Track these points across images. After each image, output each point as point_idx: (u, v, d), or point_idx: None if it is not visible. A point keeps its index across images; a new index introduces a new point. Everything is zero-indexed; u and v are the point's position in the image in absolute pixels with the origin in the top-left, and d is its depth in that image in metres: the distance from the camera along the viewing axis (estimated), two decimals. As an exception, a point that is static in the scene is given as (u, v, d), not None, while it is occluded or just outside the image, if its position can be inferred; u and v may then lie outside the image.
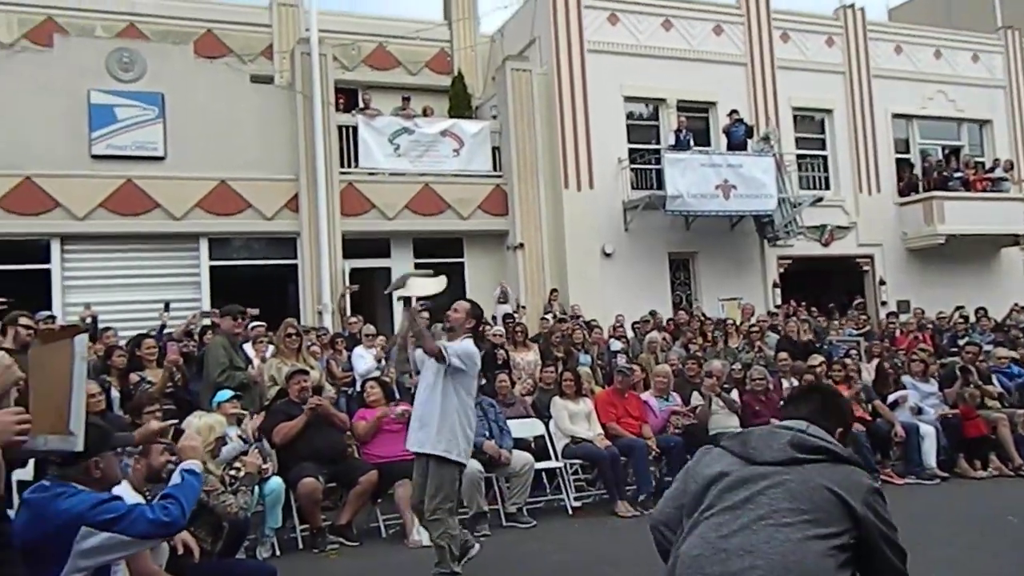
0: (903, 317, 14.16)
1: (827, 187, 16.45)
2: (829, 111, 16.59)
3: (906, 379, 9.30)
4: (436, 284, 5.47)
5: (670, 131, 14.80)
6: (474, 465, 6.70)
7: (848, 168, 16.53)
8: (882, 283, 16.49)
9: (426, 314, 10.30)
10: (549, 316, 11.68)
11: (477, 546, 5.24)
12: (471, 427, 5.14)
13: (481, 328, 5.59)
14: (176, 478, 3.05)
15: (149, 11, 14.52)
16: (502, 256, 13.98)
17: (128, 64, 11.65)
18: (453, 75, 16.10)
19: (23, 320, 6.19)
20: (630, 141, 14.87)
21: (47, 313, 9.00)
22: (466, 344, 5.12)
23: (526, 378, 8.97)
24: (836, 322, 13.01)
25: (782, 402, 8.45)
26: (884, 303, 16.18)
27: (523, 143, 13.88)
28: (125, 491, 3.22)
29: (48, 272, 11.30)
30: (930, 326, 12.82)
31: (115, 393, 6.58)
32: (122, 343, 7.85)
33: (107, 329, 8.50)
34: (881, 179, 16.71)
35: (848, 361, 9.37)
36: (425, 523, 5.21)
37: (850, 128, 16.58)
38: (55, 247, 11.37)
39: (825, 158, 16.68)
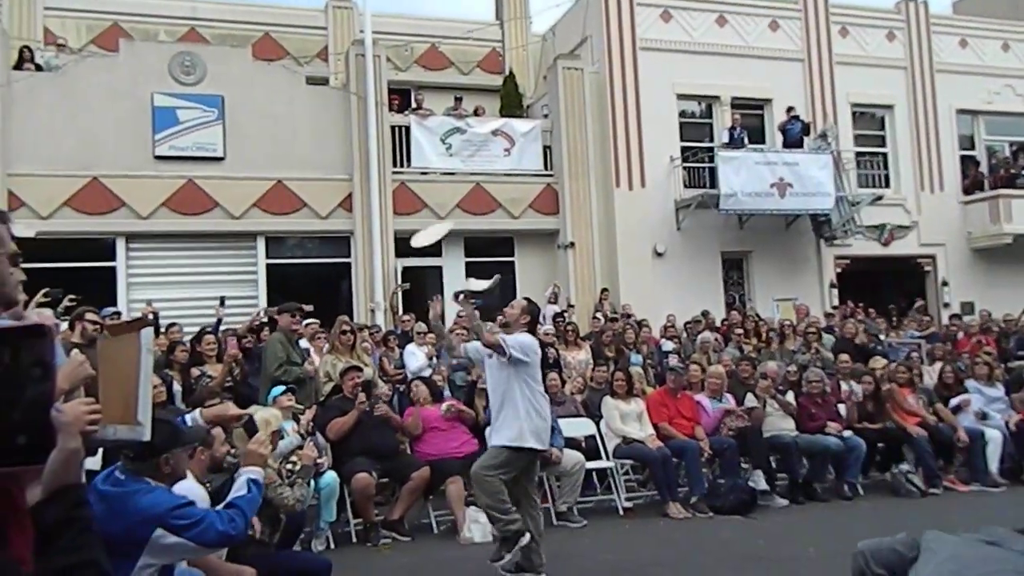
0: (966, 319, 13.71)
1: (887, 185, 16.01)
2: (890, 107, 16.15)
3: (970, 383, 9.02)
4: (490, 282, 5.64)
5: (724, 129, 14.60)
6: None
7: (909, 166, 16.07)
8: (945, 284, 15.98)
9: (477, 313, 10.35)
10: (600, 315, 11.63)
11: (528, 536, 5.17)
12: (541, 413, 5.27)
13: (537, 326, 5.70)
14: (242, 487, 3.14)
15: (209, 15, 14.91)
16: (553, 255, 13.97)
17: (189, 67, 11.97)
18: (504, 75, 16.16)
19: (90, 316, 6.43)
20: (682, 139, 14.70)
21: (112, 309, 9.29)
22: (523, 336, 5.27)
23: (576, 377, 8.95)
24: (896, 324, 12.67)
25: (837, 406, 8.32)
26: (947, 305, 15.69)
27: (574, 142, 13.85)
28: (190, 483, 3.33)
29: (113, 269, 11.68)
30: (996, 329, 12.38)
31: (177, 387, 6.77)
32: (185, 339, 8.07)
33: (172, 325, 8.74)
34: (944, 177, 16.21)
35: (911, 363, 9.12)
36: (474, 484, 5.27)
37: (912, 124, 16.12)
38: (120, 245, 11.75)
39: (885, 155, 16.24)
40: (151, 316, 9.47)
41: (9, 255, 1.90)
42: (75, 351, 2.02)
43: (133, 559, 2.77)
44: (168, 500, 2.90)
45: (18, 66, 11.63)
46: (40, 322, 1.15)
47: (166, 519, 2.82)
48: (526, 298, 5.64)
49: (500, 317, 5.49)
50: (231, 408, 3.85)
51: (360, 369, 7.06)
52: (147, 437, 2.19)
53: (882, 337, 11.36)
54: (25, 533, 1.11)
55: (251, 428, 4.17)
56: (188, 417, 3.66)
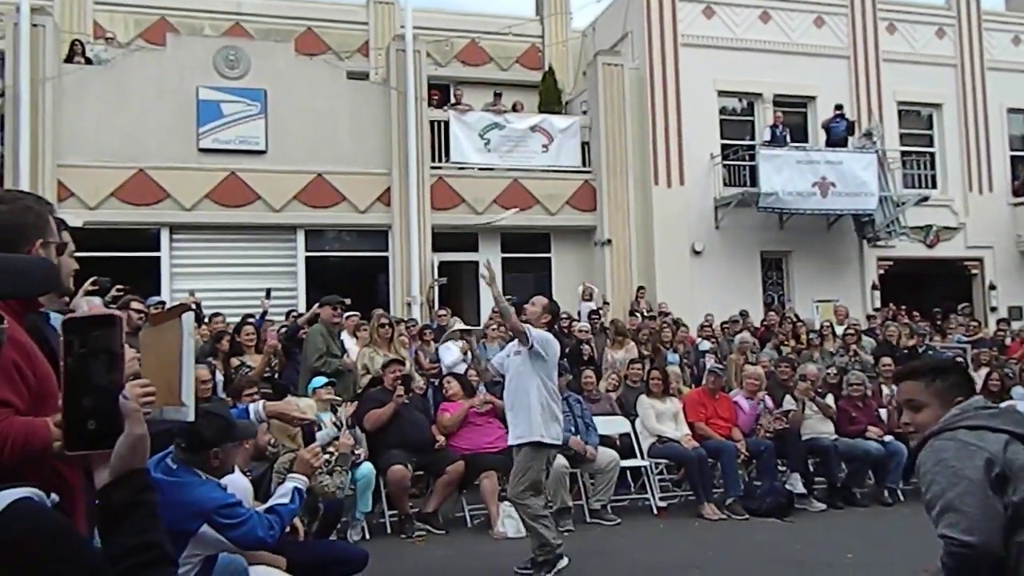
0: (1015, 324, 13.36)
1: (934, 186, 15.65)
2: (938, 105, 15.78)
3: (1017, 390, 8.80)
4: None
5: (765, 126, 14.39)
6: (559, 460, 6.72)
7: (957, 166, 15.69)
8: (992, 288, 15.59)
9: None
10: (637, 314, 11.56)
11: (566, 560, 5.28)
12: (557, 411, 5.33)
13: (557, 324, 5.74)
14: (287, 494, 3.26)
15: (254, 10, 15.11)
16: (590, 252, 13.92)
17: (234, 62, 12.15)
18: (544, 70, 16.12)
19: (135, 305, 6.57)
20: (723, 137, 14.53)
21: (157, 299, 9.50)
22: (543, 332, 5.31)
23: (611, 374, 8.90)
24: (941, 327, 12.38)
25: (878, 411, 8.16)
26: (994, 309, 15.29)
27: (613, 138, 13.77)
28: (235, 475, 3.42)
29: (158, 259, 11.92)
30: (1046, 335, 12.04)
31: (219, 376, 6.89)
32: (228, 329, 8.19)
33: (216, 315, 8.89)
34: (994, 177, 15.80)
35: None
36: (516, 508, 5.45)
37: (960, 123, 15.73)
38: (164, 236, 11.99)
39: (932, 155, 15.87)
40: (194, 305, 9.66)
41: (57, 245, 1.95)
42: (130, 349, 2.07)
43: (180, 548, 2.86)
44: (218, 497, 2.99)
45: (68, 59, 11.91)
46: (111, 312, 1.20)
47: (214, 516, 2.92)
48: (547, 296, 5.66)
49: (522, 315, 5.49)
50: (294, 408, 3.95)
51: (402, 363, 7.14)
52: (191, 417, 2.26)
53: (928, 341, 11.11)
54: (80, 510, 1.15)
55: (308, 430, 4.26)
56: (251, 408, 3.74)
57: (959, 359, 9.84)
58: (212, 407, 3.52)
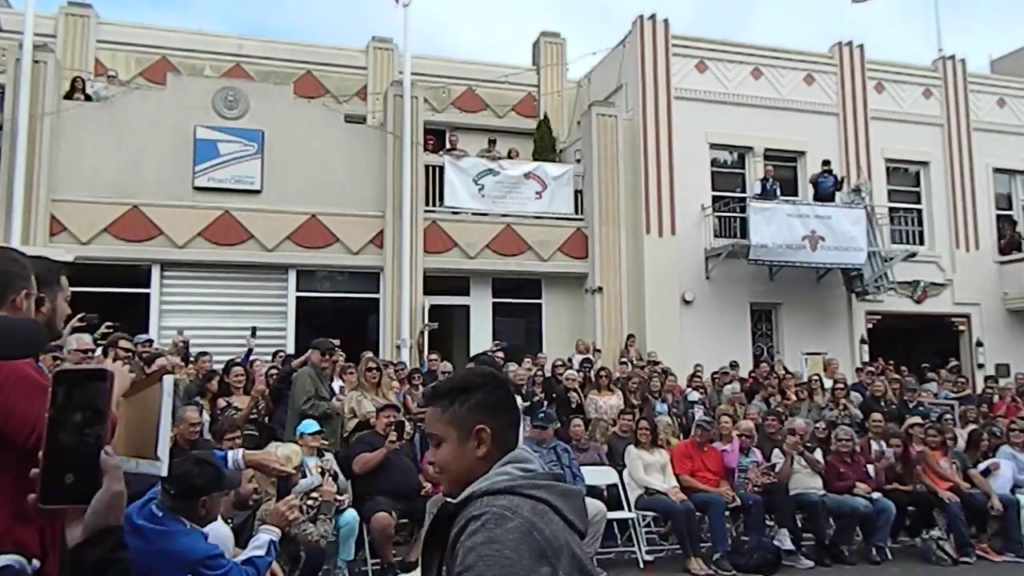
0: (1002, 381, 13.40)
1: (921, 242, 15.86)
2: (925, 163, 16.07)
3: (1005, 449, 8.78)
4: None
5: (756, 179, 14.60)
6: (546, 511, 6.64)
7: (944, 223, 15.92)
8: (979, 344, 15.69)
9: (501, 354, 10.39)
10: (627, 362, 11.55)
11: None
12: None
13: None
14: (263, 546, 3.29)
15: (254, 52, 15.34)
16: (580, 299, 13.96)
17: (233, 102, 12.28)
18: (539, 119, 16.35)
19: (123, 343, 6.54)
20: (714, 188, 14.72)
21: (145, 337, 9.44)
22: None
23: (605, 424, 8.85)
24: (929, 383, 12.41)
25: (867, 467, 8.14)
26: (981, 366, 15.37)
27: (606, 187, 13.92)
28: (217, 523, 3.38)
29: (147, 296, 11.87)
30: (1033, 393, 12.07)
31: (205, 416, 6.82)
32: (216, 367, 8.14)
33: (203, 354, 8.83)
34: (980, 235, 16.02)
35: (943, 425, 8.92)
36: None
37: (947, 182, 16.01)
38: (155, 272, 11.96)
39: (920, 212, 16.11)
40: (181, 344, 9.60)
41: (37, 298, 2.01)
42: (123, 365, 2.12)
43: None
44: (204, 548, 2.98)
45: (69, 95, 12.01)
46: (101, 368, 1.20)
47: (198, 568, 2.89)
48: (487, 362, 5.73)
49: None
50: (273, 459, 3.93)
51: (397, 408, 7.11)
52: (164, 472, 2.34)
53: (921, 396, 11.12)
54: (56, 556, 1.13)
55: (284, 485, 4.23)
56: (230, 456, 3.72)
57: (947, 416, 9.87)
58: (203, 455, 3.49)
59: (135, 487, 3.03)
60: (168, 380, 2.50)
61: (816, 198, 14.35)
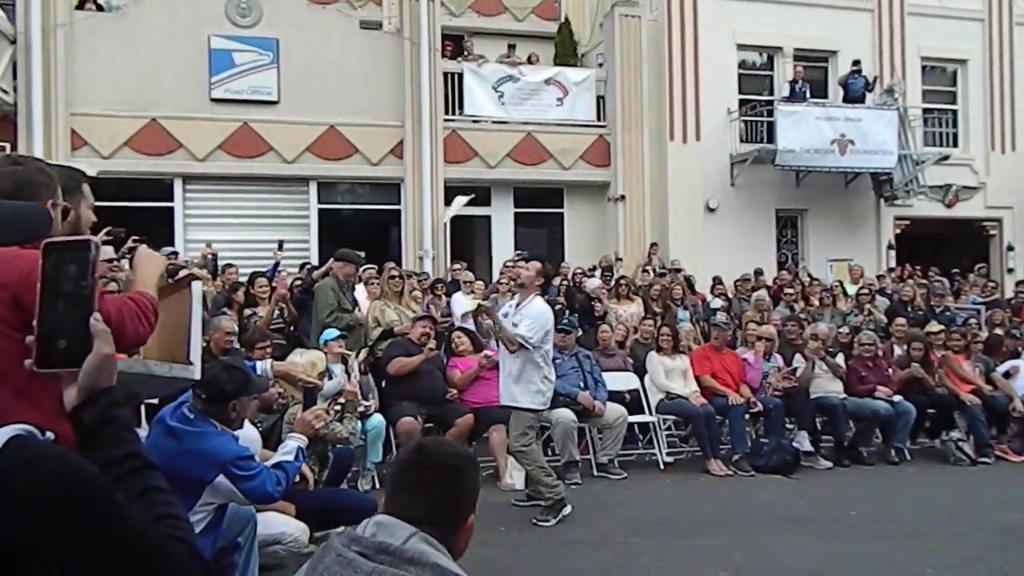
0: (1032, 286, 13.20)
1: (955, 144, 15.38)
2: (963, 62, 15.41)
3: (1028, 353, 8.74)
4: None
5: (785, 82, 14.12)
6: (567, 415, 6.80)
7: (980, 124, 15.38)
8: (1010, 249, 15.41)
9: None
10: (649, 270, 11.52)
11: (570, 507, 5.59)
12: (548, 379, 5.67)
13: (567, 283, 6.09)
14: (291, 452, 3.42)
15: (265, -43, 14.83)
16: (603, 208, 13.84)
17: (245, 10, 12.00)
18: (560, 22, 15.83)
19: (148, 254, 6.62)
20: (741, 92, 14.29)
21: (170, 249, 9.56)
22: (537, 310, 5.57)
23: (619, 327, 8.90)
24: (956, 288, 12.26)
25: (890, 369, 8.17)
26: (1011, 270, 15.14)
27: (629, 92, 13.57)
28: (246, 426, 3.48)
29: (171, 210, 11.96)
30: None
31: (235, 327, 6.95)
32: (242, 279, 8.25)
33: (229, 266, 8.93)
34: (1017, 136, 15.48)
35: (968, 329, 8.87)
36: (516, 459, 5.93)
37: (986, 80, 15.37)
38: (178, 186, 12.00)
39: (955, 112, 15.57)
40: (210, 256, 9.71)
41: (63, 208, 2.06)
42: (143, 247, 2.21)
43: (196, 495, 2.93)
44: (234, 449, 3.07)
45: (80, 6, 11.79)
46: (87, 238, 1.22)
47: (229, 467, 2.99)
48: (540, 259, 5.91)
49: (517, 279, 5.81)
50: (299, 370, 4.04)
51: (435, 320, 7.26)
52: (197, 376, 2.42)
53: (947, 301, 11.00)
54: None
55: (311, 393, 4.34)
56: (259, 366, 3.82)
57: (972, 320, 9.80)
58: (232, 360, 3.58)
59: (167, 390, 3.15)
60: (197, 286, 2.55)
61: (846, 100, 13.88)
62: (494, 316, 5.60)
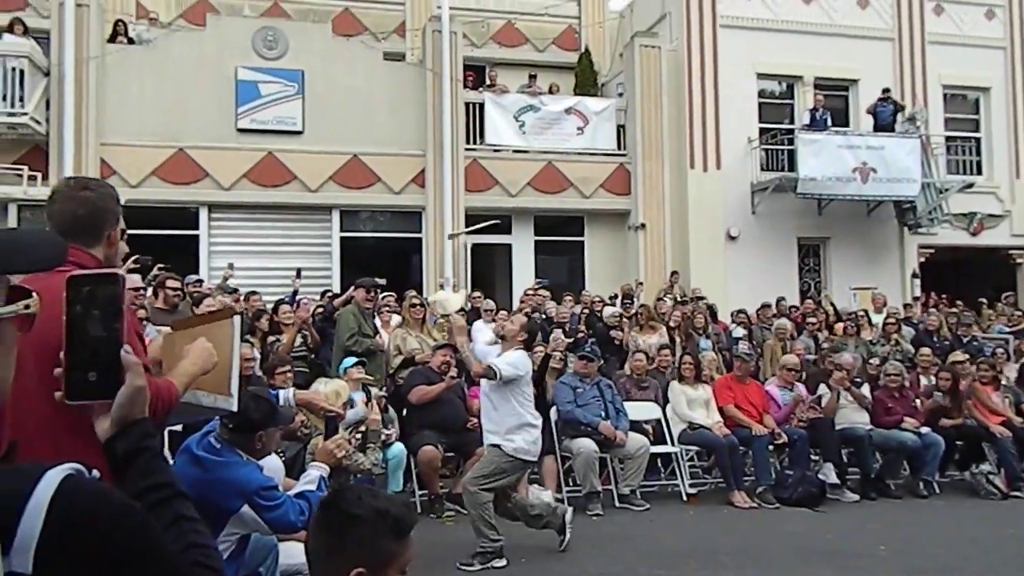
0: (1060, 316, 12.98)
1: (979, 172, 15.26)
2: (986, 89, 15.33)
3: (1060, 384, 8.58)
4: (458, 299, 5.95)
5: (805, 110, 14.11)
6: (589, 445, 6.76)
7: (1004, 152, 15.26)
8: (1037, 277, 15.19)
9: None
10: (668, 299, 11.48)
11: (505, 560, 5.30)
12: (529, 425, 5.35)
13: (533, 346, 5.96)
14: (314, 481, 3.36)
15: (292, -10, 15.17)
16: (623, 236, 13.84)
17: (272, 42, 12.23)
18: (580, 52, 15.98)
19: (171, 283, 6.73)
20: (761, 120, 14.29)
21: (195, 277, 9.66)
22: (515, 355, 5.32)
23: (637, 356, 8.84)
24: (984, 317, 12.10)
25: (917, 400, 8.05)
26: (1038, 299, 14.92)
27: (649, 121, 13.63)
28: (270, 456, 3.49)
29: (197, 238, 12.11)
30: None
31: (256, 354, 7.01)
32: (267, 307, 8.32)
33: (253, 293, 9.01)
34: (1042, 164, 15.33)
35: (996, 360, 8.73)
36: (464, 495, 5.46)
37: (1009, 108, 15.28)
38: (203, 215, 12.16)
39: (978, 140, 15.46)
40: (229, 274, 9.81)
41: (122, 230, 2.08)
42: (208, 343, 2.21)
43: (220, 525, 2.94)
44: (260, 479, 3.09)
45: (112, 39, 12.08)
46: (113, 271, 1.25)
47: (254, 498, 3.00)
48: (527, 315, 5.79)
49: (499, 331, 5.69)
50: (321, 399, 4.06)
51: (455, 348, 7.25)
52: (235, 408, 2.47)
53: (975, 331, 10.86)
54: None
55: (332, 422, 4.36)
56: (282, 395, 3.84)
57: (999, 350, 9.65)
58: (259, 391, 3.60)
59: (195, 418, 3.17)
60: (237, 320, 2.61)
61: (876, 128, 13.81)
62: (463, 338, 5.49)
